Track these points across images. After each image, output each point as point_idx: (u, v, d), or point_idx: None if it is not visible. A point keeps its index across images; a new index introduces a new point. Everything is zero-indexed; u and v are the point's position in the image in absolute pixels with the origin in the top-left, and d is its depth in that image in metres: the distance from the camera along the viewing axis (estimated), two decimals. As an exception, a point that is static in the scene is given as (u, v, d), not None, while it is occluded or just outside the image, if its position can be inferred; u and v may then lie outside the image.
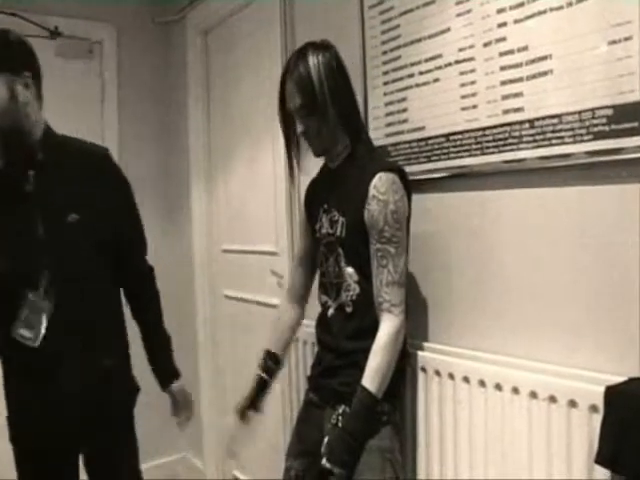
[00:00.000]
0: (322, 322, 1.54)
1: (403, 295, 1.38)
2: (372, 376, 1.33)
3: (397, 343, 1.36)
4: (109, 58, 2.88)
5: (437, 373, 1.51)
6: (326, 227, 1.49)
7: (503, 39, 1.38)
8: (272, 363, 1.63)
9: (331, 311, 1.49)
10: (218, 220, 2.84)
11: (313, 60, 1.40)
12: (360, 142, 1.47)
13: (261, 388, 1.62)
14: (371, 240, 1.38)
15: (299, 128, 1.43)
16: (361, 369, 1.39)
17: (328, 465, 1.30)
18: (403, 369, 1.49)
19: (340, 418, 1.40)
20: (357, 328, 1.44)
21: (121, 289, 1.62)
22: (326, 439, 1.38)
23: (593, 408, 1.18)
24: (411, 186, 1.44)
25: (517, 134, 1.36)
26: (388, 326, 1.35)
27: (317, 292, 1.57)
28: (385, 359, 1.34)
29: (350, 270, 1.44)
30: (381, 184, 1.35)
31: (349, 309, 1.45)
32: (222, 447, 2.83)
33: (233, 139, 2.66)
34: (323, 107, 1.39)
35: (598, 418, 1.13)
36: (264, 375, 1.62)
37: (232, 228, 2.73)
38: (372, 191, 1.35)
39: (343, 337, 1.46)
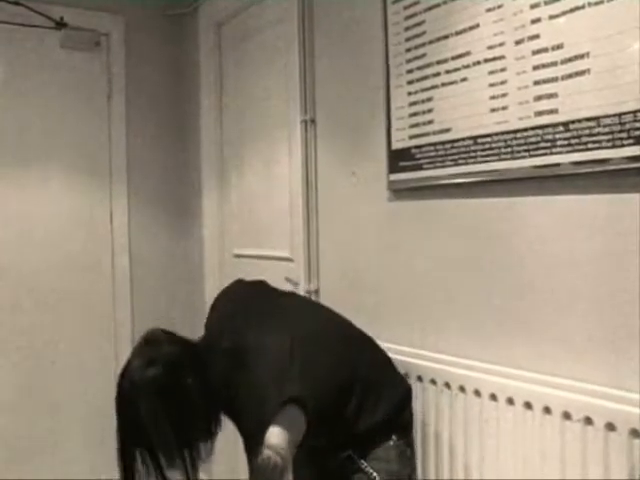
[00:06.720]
0: None
1: None
2: None
3: None
4: (117, 51, 2.89)
5: (461, 389, 1.51)
6: None
7: (536, 36, 1.37)
8: None
9: None
10: (230, 223, 2.84)
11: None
12: None
13: None
14: None
15: None
16: (369, 412, 1.41)
17: None
18: (408, 392, 1.52)
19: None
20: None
21: None
22: None
23: (634, 433, 1.16)
24: None
25: (550, 137, 1.35)
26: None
27: None
28: None
29: None
30: None
31: None
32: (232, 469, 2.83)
33: (247, 138, 2.66)
34: None
35: (639, 444, 1.13)
36: None
37: (245, 232, 2.73)
38: None
39: None
